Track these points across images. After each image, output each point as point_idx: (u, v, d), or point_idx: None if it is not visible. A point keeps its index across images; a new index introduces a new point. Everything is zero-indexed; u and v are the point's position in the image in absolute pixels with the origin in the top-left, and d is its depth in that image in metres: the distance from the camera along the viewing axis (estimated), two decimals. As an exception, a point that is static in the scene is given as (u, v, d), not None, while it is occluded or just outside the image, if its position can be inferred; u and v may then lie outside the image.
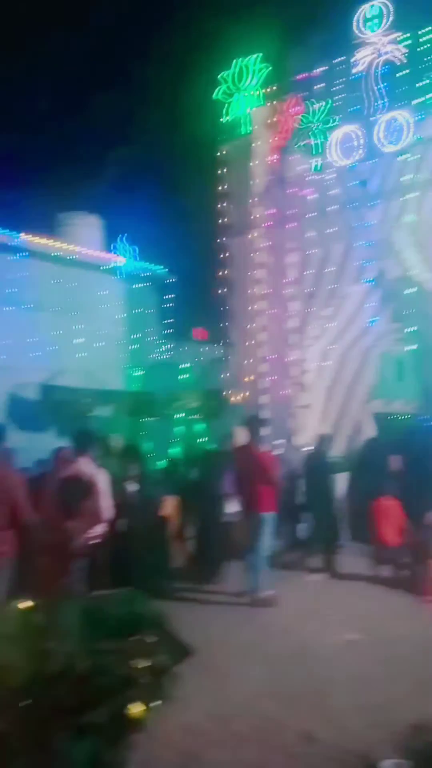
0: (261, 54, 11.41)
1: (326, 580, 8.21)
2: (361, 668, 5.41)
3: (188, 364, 15.27)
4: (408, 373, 10.29)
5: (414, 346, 10.20)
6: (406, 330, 10.21)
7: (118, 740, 3.49)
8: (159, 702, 3.47)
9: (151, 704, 3.46)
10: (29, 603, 3.91)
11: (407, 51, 9.75)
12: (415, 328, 9.96)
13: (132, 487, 7.56)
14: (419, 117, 9.51)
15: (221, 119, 11.79)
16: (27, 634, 3.62)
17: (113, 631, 3.72)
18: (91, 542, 6.09)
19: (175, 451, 12.66)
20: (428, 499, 8.32)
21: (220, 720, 4.54)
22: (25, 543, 5.73)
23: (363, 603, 7.19)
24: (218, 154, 11.84)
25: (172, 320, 15.79)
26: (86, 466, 6.39)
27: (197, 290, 16.43)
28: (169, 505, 8.82)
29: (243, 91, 11.53)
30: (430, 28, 9.48)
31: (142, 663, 3.52)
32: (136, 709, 3.39)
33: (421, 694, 4.81)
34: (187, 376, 14.03)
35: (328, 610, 6.93)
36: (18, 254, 13.74)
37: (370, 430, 10.71)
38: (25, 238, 14.04)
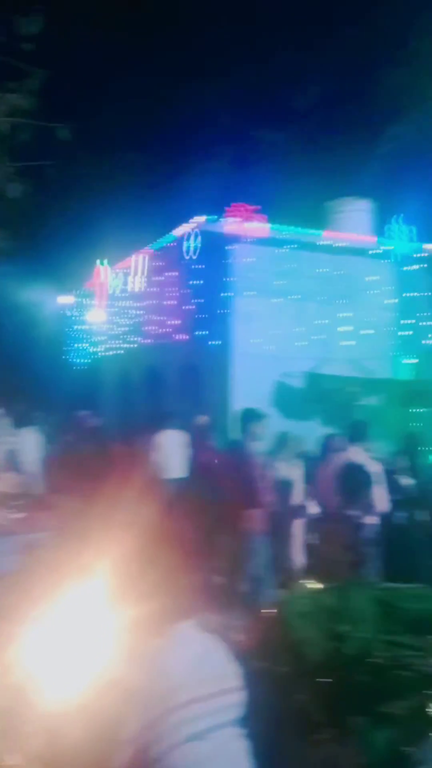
0: None
1: None
2: None
3: None
4: None
5: None
6: None
7: (419, 736, 3.30)
8: None
9: None
10: (318, 585, 3.90)
11: None
12: None
13: (406, 480, 7.12)
14: None
15: None
16: (320, 614, 3.60)
17: (410, 626, 3.58)
18: (371, 533, 5.89)
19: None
20: None
21: None
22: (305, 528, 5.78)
23: None
24: None
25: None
26: (359, 456, 6.21)
27: None
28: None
29: None
30: None
31: None
32: None
33: None
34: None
35: None
36: (286, 246, 14.01)
37: None
38: (293, 231, 14.27)
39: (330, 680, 3.35)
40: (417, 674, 3.38)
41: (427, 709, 3.36)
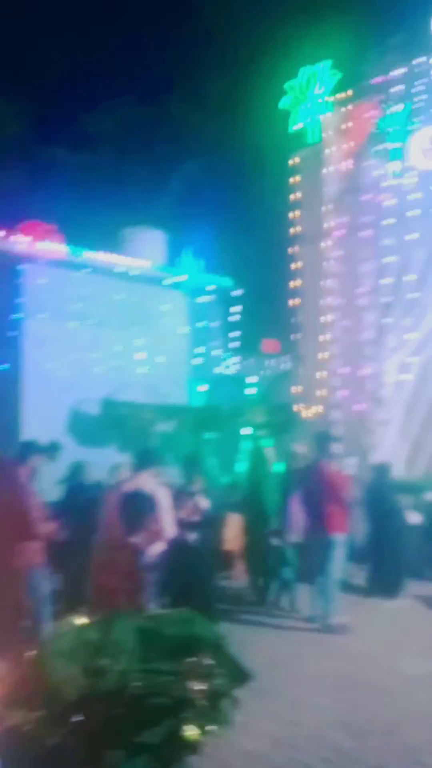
0: (331, 61, 11.16)
1: (406, 607, 7.64)
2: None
3: (256, 378, 14.97)
4: None
5: None
6: None
7: (172, 762, 3.41)
8: (214, 726, 3.38)
9: (207, 728, 3.37)
10: (84, 619, 3.86)
11: None
12: None
13: (203, 502, 7.27)
14: None
15: (289, 128, 11.58)
16: (81, 650, 3.56)
17: (170, 651, 3.67)
18: (154, 560, 5.91)
19: (241, 467, 12.33)
20: None
21: (286, 748, 4.25)
22: (85, 559, 5.64)
23: None
24: (289, 162, 11.63)
25: (238, 333, 15.58)
26: (147, 483, 6.25)
27: (267, 302, 16.18)
28: (233, 524, 8.53)
29: (311, 99, 11.28)
30: None
31: (199, 686, 3.47)
32: (191, 731, 3.32)
33: None
34: (255, 390, 13.71)
35: (406, 639, 6.45)
36: (82, 270, 13.92)
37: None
38: (88, 254, 14.23)
39: (84, 718, 3.27)
40: (172, 699, 3.44)
41: (181, 733, 3.43)
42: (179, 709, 3.37)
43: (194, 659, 3.55)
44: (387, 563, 8.26)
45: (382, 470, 9.10)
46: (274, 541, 7.89)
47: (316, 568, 7.18)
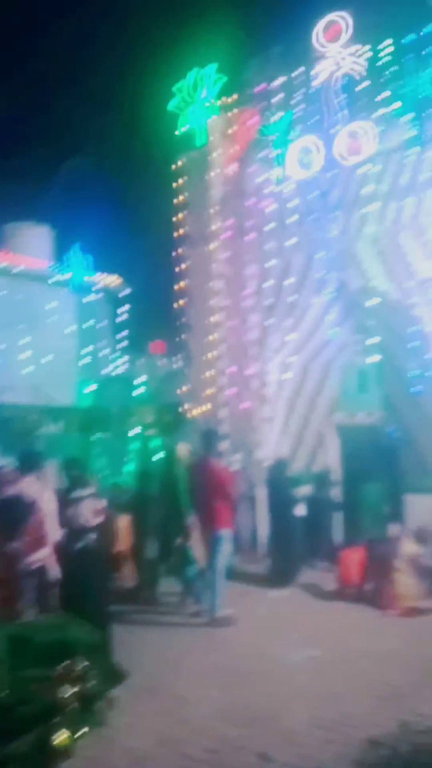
0: (216, 64, 11.35)
1: (288, 596, 7.93)
2: (321, 685, 5.22)
3: (144, 378, 14.97)
4: (370, 384, 10.19)
5: (376, 358, 10.10)
6: (367, 341, 10.11)
7: None
8: (86, 729, 3.37)
9: (79, 731, 3.35)
10: None
11: (367, 64, 9.80)
12: (377, 339, 9.86)
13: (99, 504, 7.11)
14: (380, 129, 9.54)
15: (177, 130, 11.67)
16: None
17: (41, 658, 3.67)
18: (35, 565, 5.73)
19: (130, 467, 12.28)
20: (393, 509, 8.22)
21: (172, 744, 4.29)
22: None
23: (324, 618, 7.00)
24: (175, 164, 11.71)
25: (126, 333, 15.50)
26: (30, 487, 6.05)
27: (155, 303, 16.20)
28: (122, 524, 8.47)
29: (198, 102, 11.44)
30: (388, 41, 9.57)
31: (70, 690, 3.45)
32: (61, 737, 3.35)
33: (378, 709, 4.67)
34: (143, 390, 13.70)
35: (288, 626, 6.71)
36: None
37: (333, 442, 10.56)
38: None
39: None
40: (39, 707, 3.37)
41: (51, 740, 3.37)
42: (49, 715, 3.36)
43: (67, 663, 3.52)
44: (283, 554, 8.60)
45: (280, 465, 9.44)
46: (177, 541, 7.97)
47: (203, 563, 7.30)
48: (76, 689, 3.46)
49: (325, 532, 9.33)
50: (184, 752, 4.12)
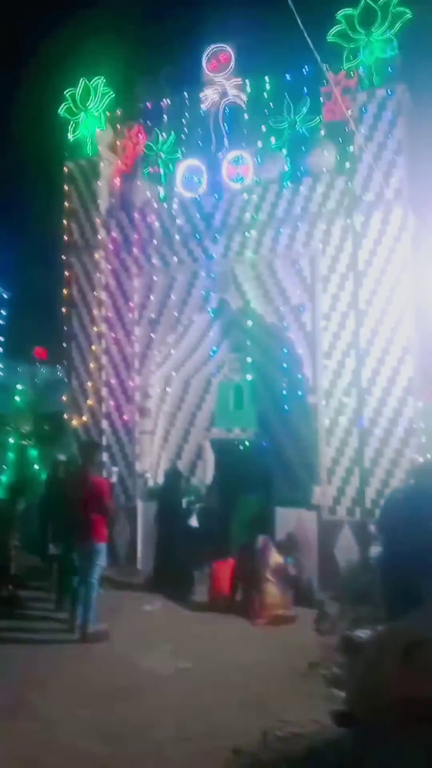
0: (104, 78, 11.38)
1: (161, 610, 8.13)
2: (190, 697, 5.45)
3: (23, 386, 14.56)
4: (246, 401, 10.66)
5: (250, 377, 10.58)
6: (244, 360, 10.56)
7: None
8: None
9: None
10: None
11: (246, 98, 10.30)
12: (251, 359, 10.34)
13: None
14: (259, 160, 10.03)
15: (66, 136, 11.57)
16: None
17: None
18: None
19: (3, 478, 11.96)
20: (263, 521, 8.66)
21: (37, 766, 4.28)
22: None
23: (196, 630, 7.26)
24: (64, 170, 11.59)
25: (4, 339, 14.97)
26: None
27: (39, 309, 15.83)
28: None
29: (88, 111, 11.41)
30: (269, 77, 10.11)
31: None
32: None
33: (244, 718, 4.93)
34: (21, 398, 13.35)
35: (161, 639, 6.90)
36: None
37: (209, 456, 10.92)
38: None
39: None
40: None
41: None
42: None
43: None
44: (173, 564, 8.76)
45: (175, 475, 9.62)
46: (54, 550, 7.95)
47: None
48: None
49: (207, 542, 9.57)
50: None
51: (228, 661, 6.24)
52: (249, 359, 10.24)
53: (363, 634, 4.56)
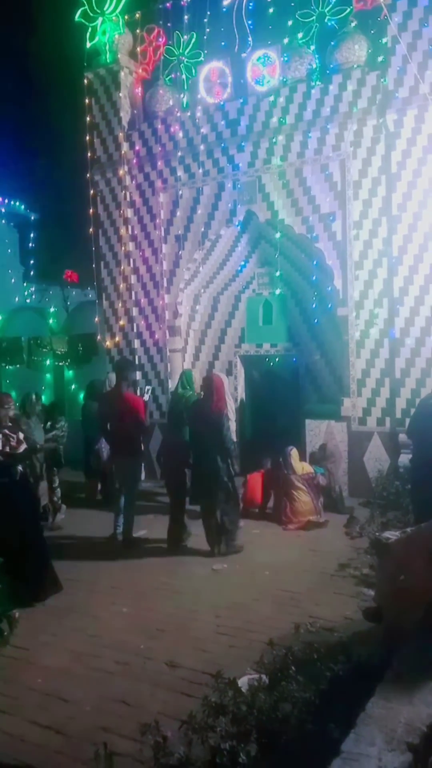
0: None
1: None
2: (225, 596, 5.72)
3: (56, 308, 14.68)
4: (275, 316, 10.58)
5: (279, 291, 10.44)
6: (273, 274, 10.38)
7: None
8: None
9: None
10: None
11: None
12: (280, 273, 10.15)
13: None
14: (285, 58, 9.45)
15: (85, 44, 11.05)
16: None
17: None
18: None
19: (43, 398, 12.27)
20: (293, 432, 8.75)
21: (86, 659, 4.64)
22: None
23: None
24: (84, 81, 11.15)
25: (35, 261, 14.90)
26: None
27: (67, 230, 15.64)
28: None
29: (105, 15, 10.82)
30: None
31: None
32: None
33: (277, 614, 5.20)
34: (55, 320, 13.49)
35: (195, 544, 7.16)
36: None
37: (240, 372, 10.99)
38: None
39: None
40: None
41: None
42: None
43: None
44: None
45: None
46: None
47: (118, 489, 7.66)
48: None
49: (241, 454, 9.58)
50: (98, 666, 4.48)
51: (261, 563, 6.50)
52: (278, 273, 10.06)
53: (392, 535, 4.68)
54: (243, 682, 3.75)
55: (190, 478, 7.11)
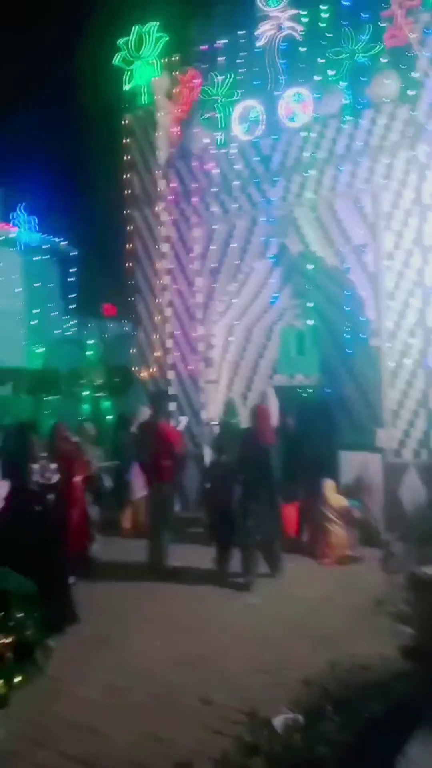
0: (158, 23, 11.14)
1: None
2: (259, 631, 5.64)
3: (94, 341, 14.98)
4: (308, 347, 10.59)
5: (311, 322, 10.47)
6: (305, 305, 10.44)
7: None
8: (20, 678, 3.50)
9: (16, 680, 3.52)
10: None
11: (304, 29, 9.84)
12: (312, 304, 10.18)
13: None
14: (317, 95, 9.65)
15: (123, 87, 11.49)
16: None
17: None
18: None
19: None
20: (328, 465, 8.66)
21: (119, 691, 4.62)
22: None
23: (264, 568, 7.33)
24: (122, 122, 11.57)
25: (75, 295, 15.36)
26: None
27: (105, 264, 16.07)
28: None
29: (143, 59, 11.26)
30: (326, 6, 9.59)
31: (3, 639, 3.58)
32: None
33: (313, 651, 5.09)
34: (93, 352, 13.78)
35: (231, 577, 7.09)
36: None
37: (273, 403, 10.97)
38: None
39: None
40: None
41: None
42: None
43: (1, 614, 3.68)
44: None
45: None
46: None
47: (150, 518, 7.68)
48: (9, 639, 3.63)
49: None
50: (130, 699, 4.45)
51: (295, 598, 6.42)
52: (310, 304, 10.09)
53: (430, 571, 4.59)
54: (278, 722, 3.70)
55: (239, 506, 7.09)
